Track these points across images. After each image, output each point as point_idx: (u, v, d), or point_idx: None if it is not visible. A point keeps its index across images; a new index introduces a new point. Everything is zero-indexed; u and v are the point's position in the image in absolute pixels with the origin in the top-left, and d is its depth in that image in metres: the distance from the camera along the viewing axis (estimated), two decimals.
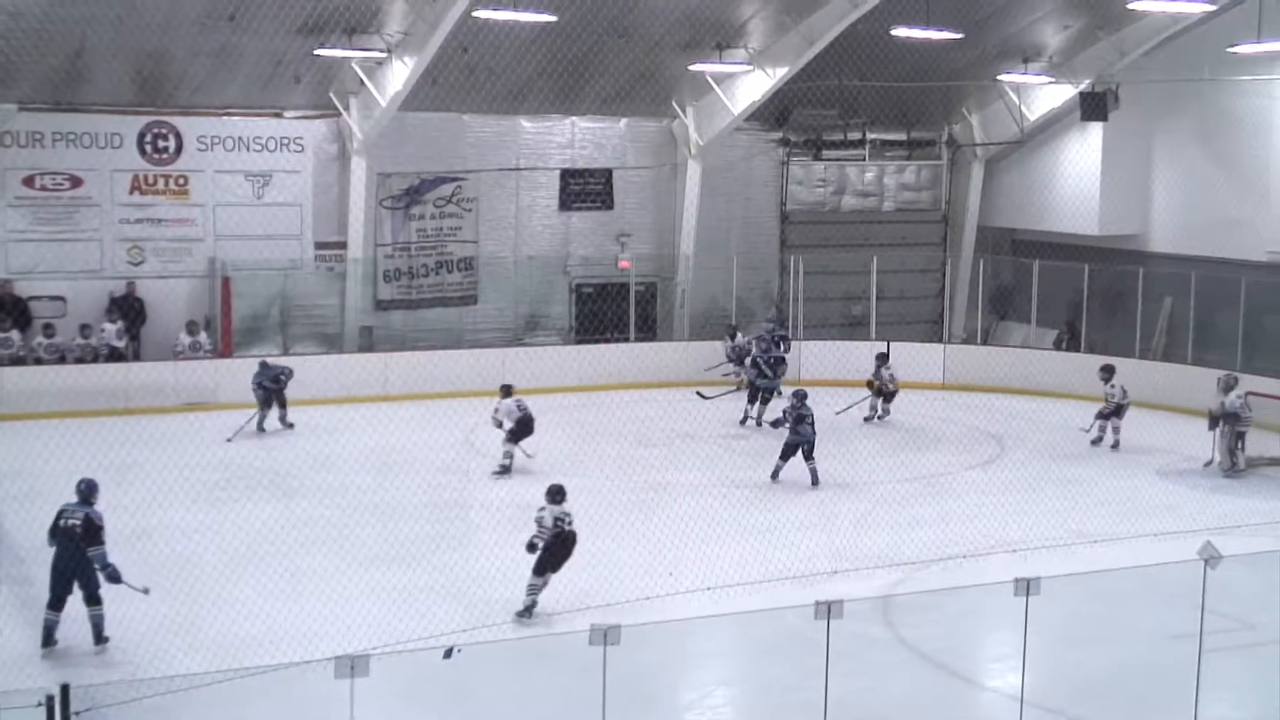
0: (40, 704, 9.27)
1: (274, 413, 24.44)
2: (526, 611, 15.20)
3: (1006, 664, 12.68)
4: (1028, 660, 11.43)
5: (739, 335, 29.20)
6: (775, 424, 22.43)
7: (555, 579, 15.33)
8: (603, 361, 29.11)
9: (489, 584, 15.91)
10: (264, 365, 24.65)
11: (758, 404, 25.83)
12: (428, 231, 29.95)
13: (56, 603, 14.18)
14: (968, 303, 33.75)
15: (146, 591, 14.34)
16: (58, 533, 14.27)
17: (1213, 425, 22.57)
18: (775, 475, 21.38)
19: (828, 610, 10.36)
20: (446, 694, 12.72)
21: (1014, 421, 25.90)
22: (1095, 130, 31.66)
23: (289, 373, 24.61)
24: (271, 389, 24.35)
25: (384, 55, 26.54)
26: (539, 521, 15.34)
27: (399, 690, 12.13)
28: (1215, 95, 29.78)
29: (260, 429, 24.16)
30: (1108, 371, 24.66)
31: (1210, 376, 24.79)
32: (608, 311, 30.59)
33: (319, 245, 28.90)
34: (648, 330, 31.55)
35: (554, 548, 15.21)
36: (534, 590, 15.22)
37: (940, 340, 31.75)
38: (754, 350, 26.70)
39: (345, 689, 9.62)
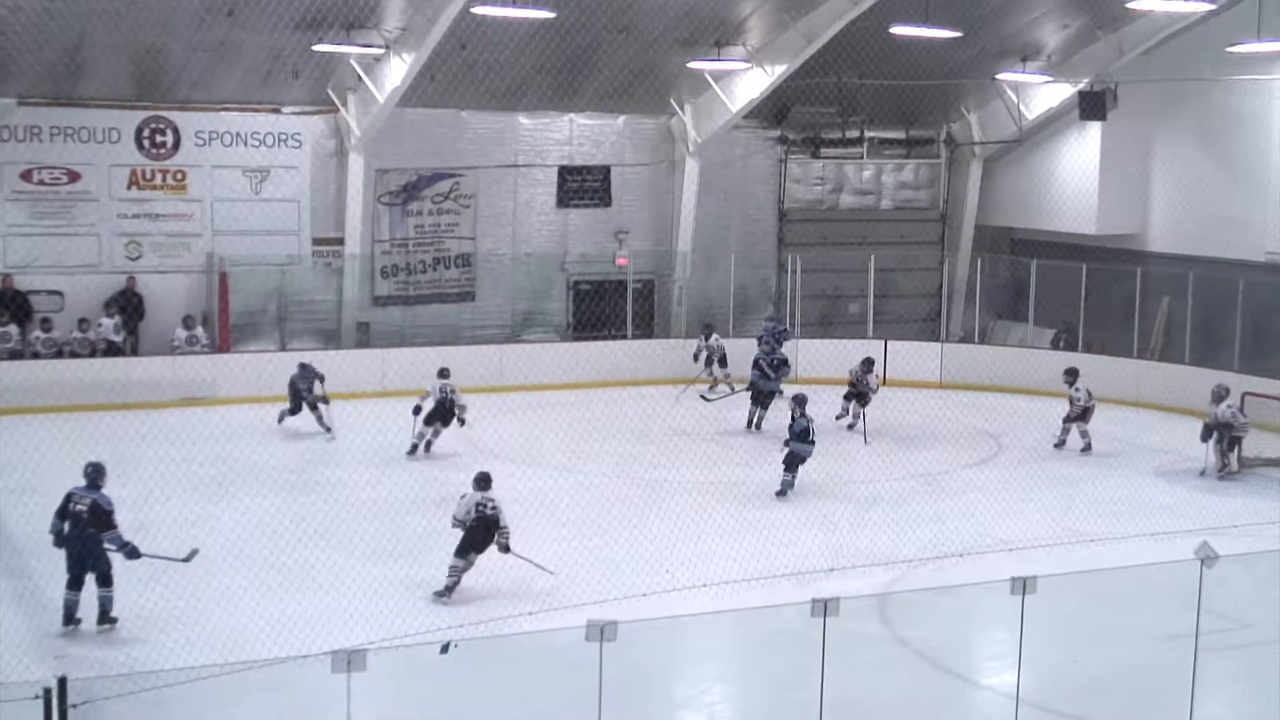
0: (38, 696, 9.30)
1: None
2: (446, 592, 15.55)
3: (1002, 662, 12.69)
4: (1024, 659, 11.45)
5: (714, 336, 28.41)
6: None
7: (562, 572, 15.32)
8: (600, 358, 29.13)
9: (487, 579, 15.90)
10: (303, 367, 24.23)
11: (759, 408, 25.25)
12: (425, 228, 29.95)
13: (75, 583, 14.34)
14: (965, 301, 33.74)
15: (189, 558, 14.72)
16: (67, 516, 14.35)
17: (1206, 436, 22.42)
18: (783, 493, 20.39)
19: (824, 608, 10.39)
20: (443, 689, 12.72)
21: (1011, 420, 25.80)
22: (1094, 129, 31.66)
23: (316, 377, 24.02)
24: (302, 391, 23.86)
25: (382, 51, 26.51)
26: (461, 503, 15.82)
27: (396, 685, 12.12)
28: (1214, 95, 29.81)
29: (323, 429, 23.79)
30: (1071, 374, 24.39)
31: (1207, 377, 24.72)
32: (605, 309, 30.60)
33: (316, 241, 28.91)
34: (645, 328, 31.54)
35: (476, 530, 15.62)
36: (454, 571, 15.58)
37: (938, 339, 31.76)
38: (757, 350, 25.86)
39: (342, 683, 9.64)
